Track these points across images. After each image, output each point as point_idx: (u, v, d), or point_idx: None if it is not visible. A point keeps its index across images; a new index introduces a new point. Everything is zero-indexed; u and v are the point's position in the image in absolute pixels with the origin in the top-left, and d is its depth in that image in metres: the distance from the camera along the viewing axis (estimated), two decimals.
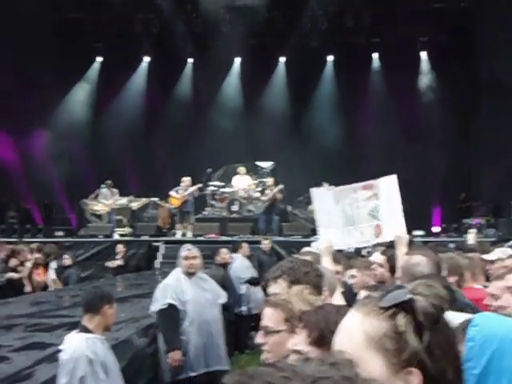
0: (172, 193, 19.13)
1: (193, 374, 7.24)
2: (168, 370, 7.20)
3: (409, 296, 1.53)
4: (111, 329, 5.09)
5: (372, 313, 1.55)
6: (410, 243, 5.07)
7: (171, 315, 7.20)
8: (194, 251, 7.58)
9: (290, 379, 0.96)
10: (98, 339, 4.86)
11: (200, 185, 19.54)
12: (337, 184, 5.58)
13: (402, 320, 1.51)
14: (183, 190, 19.04)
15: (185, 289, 7.32)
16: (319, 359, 1.04)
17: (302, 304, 2.79)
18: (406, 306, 1.52)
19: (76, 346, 4.72)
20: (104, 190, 20.47)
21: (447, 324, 1.57)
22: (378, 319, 1.53)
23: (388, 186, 4.98)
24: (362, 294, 4.58)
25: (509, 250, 6.52)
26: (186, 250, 7.55)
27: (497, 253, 6.29)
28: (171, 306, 7.17)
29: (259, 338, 2.89)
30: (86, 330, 4.87)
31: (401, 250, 4.84)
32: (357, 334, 1.54)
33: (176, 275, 7.45)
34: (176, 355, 7.11)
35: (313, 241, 8.56)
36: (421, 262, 4.05)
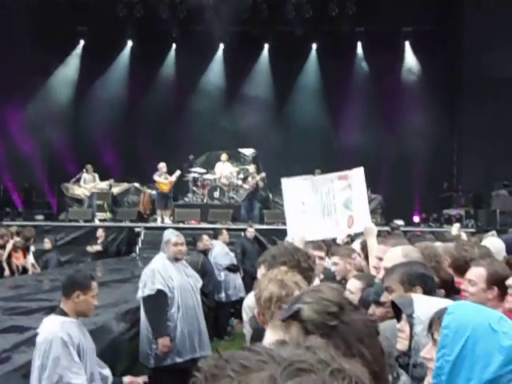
0: (157, 178, 19.04)
1: (179, 360, 7.25)
2: (152, 355, 7.18)
3: (297, 306, 1.56)
4: (88, 315, 5.02)
5: (277, 326, 1.59)
6: (392, 232, 5.11)
7: (160, 301, 7.16)
8: (182, 237, 7.59)
9: (265, 362, 0.96)
10: (74, 323, 4.84)
11: (178, 172, 19.47)
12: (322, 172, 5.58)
13: (294, 331, 1.54)
14: (160, 176, 19.00)
15: (171, 274, 7.31)
16: (295, 342, 1.04)
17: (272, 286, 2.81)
18: (298, 316, 1.55)
19: (50, 328, 4.72)
20: (85, 175, 20.38)
21: (347, 323, 1.59)
22: (280, 331, 1.57)
23: (358, 177, 4.98)
24: (351, 282, 4.63)
25: (490, 240, 6.56)
26: (175, 236, 7.53)
27: (485, 242, 6.33)
28: (160, 291, 7.14)
29: None
30: (63, 312, 4.86)
31: (371, 240, 4.89)
32: None
33: (161, 261, 7.40)
34: (165, 341, 7.10)
35: None
36: (411, 252, 4.09)
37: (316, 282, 4.05)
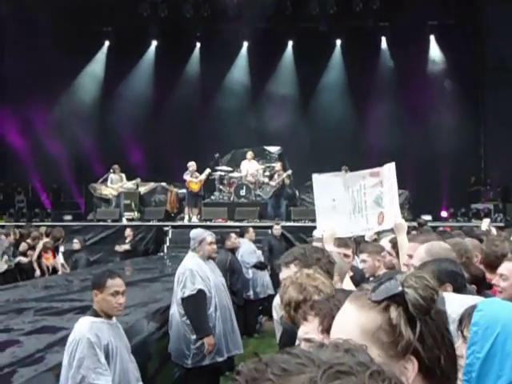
0: (188, 177, 19.13)
1: (220, 359, 7.29)
2: (190, 355, 7.20)
3: (400, 289, 1.55)
4: (111, 314, 4.99)
5: (366, 306, 1.57)
6: (421, 227, 5.08)
7: (201, 301, 7.18)
8: (214, 236, 7.63)
9: (305, 366, 0.97)
10: (105, 323, 4.88)
11: (208, 170, 19.55)
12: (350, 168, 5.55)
13: (394, 313, 1.54)
14: (191, 175, 19.10)
15: (207, 274, 7.33)
16: (334, 345, 1.05)
17: (294, 292, 2.82)
18: (397, 299, 1.55)
19: (80, 328, 4.77)
20: (112, 175, 20.51)
21: (439, 312, 1.59)
22: (371, 312, 1.56)
23: (388, 173, 4.94)
24: None
25: None
26: (210, 235, 7.55)
27: None
28: (200, 291, 7.15)
29: None
30: (95, 313, 4.91)
31: (401, 237, 4.86)
32: (352, 328, 1.57)
33: (195, 260, 7.40)
34: (210, 340, 7.14)
35: None
36: (446, 249, 4.06)
37: (346, 279, 4.05)
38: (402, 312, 1.54)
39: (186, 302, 7.18)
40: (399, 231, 4.90)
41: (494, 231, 8.75)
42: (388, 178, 4.93)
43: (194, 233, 7.66)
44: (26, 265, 13.73)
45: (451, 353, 1.59)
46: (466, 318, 2.28)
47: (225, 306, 7.52)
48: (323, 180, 5.12)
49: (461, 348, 2.28)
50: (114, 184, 20.39)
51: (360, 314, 1.57)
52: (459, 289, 3.33)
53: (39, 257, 13.91)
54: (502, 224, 16.51)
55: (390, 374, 1.00)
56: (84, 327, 4.77)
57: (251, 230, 13.18)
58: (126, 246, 16.19)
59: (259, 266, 12.43)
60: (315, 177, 5.12)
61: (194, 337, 7.18)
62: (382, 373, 0.99)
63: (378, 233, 6.69)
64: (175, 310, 7.29)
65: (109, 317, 4.94)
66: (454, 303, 2.68)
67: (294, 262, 3.48)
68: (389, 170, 4.94)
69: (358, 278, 4.96)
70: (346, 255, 5.23)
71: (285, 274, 3.49)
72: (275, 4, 22.58)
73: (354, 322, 1.58)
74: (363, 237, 7.10)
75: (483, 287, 4.44)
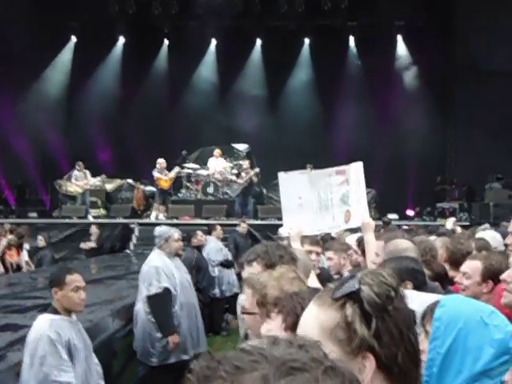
0: (157, 174, 19.05)
1: (185, 357, 7.26)
2: (155, 354, 7.17)
3: (356, 286, 1.56)
4: (74, 311, 4.96)
5: (326, 304, 1.59)
6: (386, 226, 5.11)
7: (166, 299, 7.16)
8: (180, 233, 7.61)
9: (258, 362, 0.96)
10: (65, 320, 4.84)
11: (178, 168, 19.49)
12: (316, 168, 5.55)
13: (349, 310, 1.55)
14: (160, 172, 19.04)
15: (173, 271, 7.30)
16: (287, 341, 1.04)
17: (274, 291, 2.78)
18: (354, 296, 1.56)
19: (39, 326, 4.73)
20: (76, 172, 20.30)
21: (398, 309, 1.60)
22: (329, 310, 1.57)
23: (356, 172, 4.96)
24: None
25: (489, 233, 6.58)
26: (176, 232, 7.53)
27: (480, 234, 6.35)
28: (166, 289, 7.13)
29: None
30: (54, 311, 4.86)
31: (368, 236, 4.87)
32: (312, 325, 1.59)
33: (160, 257, 7.37)
34: (175, 338, 7.13)
35: None
36: (409, 247, 4.09)
37: (311, 277, 4.04)
38: (357, 309, 1.55)
39: (151, 299, 7.14)
40: (366, 230, 4.92)
41: (458, 230, 8.83)
42: (355, 177, 4.95)
43: (159, 230, 7.62)
44: None
45: (410, 350, 1.60)
46: (428, 313, 2.30)
47: (190, 304, 7.50)
48: (289, 178, 5.12)
49: (423, 343, 2.30)
50: (79, 181, 20.19)
51: (319, 312, 1.59)
52: (419, 286, 3.36)
53: (3, 254, 13.73)
54: (467, 223, 16.69)
55: (344, 370, 0.99)
56: (44, 325, 4.72)
57: (219, 227, 13.17)
58: (92, 244, 16.05)
59: (225, 264, 12.40)
60: (281, 175, 5.13)
61: (158, 335, 7.15)
62: (336, 369, 0.99)
63: (348, 230, 6.70)
64: (140, 308, 7.26)
65: (69, 314, 4.90)
66: (415, 300, 2.69)
67: (257, 260, 3.47)
68: (356, 169, 4.96)
69: (324, 277, 4.97)
70: (316, 253, 5.24)
71: (247, 271, 3.47)
72: (244, 1, 22.58)
73: (314, 319, 1.60)
74: (329, 234, 7.13)
75: (446, 284, 4.48)
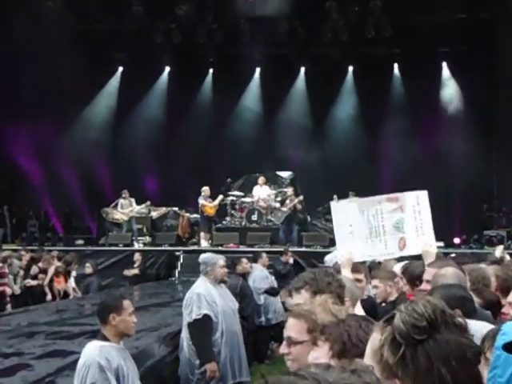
0: (203, 201, 19.22)
1: None
2: (194, 380, 7.16)
3: (393, 312, 1.57)
4: (130, 335, 5.05)
5: (378, 327, 1.59)
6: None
7: (206, 326, 7.16)
8: (225, 260, 7.65)
9: None
10: (114, 347, 4.88)
11: (221, 196, 19.64)
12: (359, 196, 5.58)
13: (386, 333, 1.55)
14: (205, 199, 19.21)
15: (215, 299, 7.30)
16: (340, 367, 1.05)
17: (325, 315, 2.78)
18: (390, 322, 1.56)
19: (89, 353, 4.78)
20: (122, 200, 20.53)
21: (438, 342, 1.58)
22: (376, 333, 1.58)
23: (417, 201, 4.98)
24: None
25: None
26: (221, 259, 7.56)
27: None
28: (206, 316, 7.14)
29: (283, 348, 2.89)
30: (103, 337, 4.91)
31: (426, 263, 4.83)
32: (368, 347, 1.59)
33: (204, 284, 7.39)
34: (213, 366, 7.09)
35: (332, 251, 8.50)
36: (446, 272, 4.05)
37: (358, 305, 4.02)
38: (390, 335, 1.55)
39: (191, 326, 7.17)
40: (427, 258, 4.88)
41: (508, 258, 8.69)
42: (413, 205, 4.96)
43: (204, 257, 7.64)
44: (37, 288, 13.73)
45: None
46: (488, 339, 2.26)
47: (233, 332, 7.47)
48: (340, 206, 5.18)
49: (482, 370, 2.26)
50: (124, 209, 20.40)
51: (373, 336, 1.60)
52: (468, 314, 3.31)
53: (51, 281, 13.92)
54: None
55: None
56: (94, 351, 4.77)
57: (264, 255, 13.11)
58: (135, 271, 16.17)
59: (271, 292, 12.35)
60: (333, 204, 5.22)
61: (197, 362, 7.15)
62: None
63: (396, 259, 6.64)
64: (184, 334, 7.28)
65: (119, 340, 4.95)
66: None
67: (305, 287, 3.46)
68: (417, 198, 4.98)
69: (368, 304, 4.92)
70: (358, 280, 5.21)
71: (296, 299, 3.46)
72: (288, 30, 22.70)
73: (369, 342, 1.61)
74: (377, 262, 7.07)
75: (498, 312, 4.41)
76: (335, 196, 15.94)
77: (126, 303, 4.99)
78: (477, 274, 4.82)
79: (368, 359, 1.57)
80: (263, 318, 12.15)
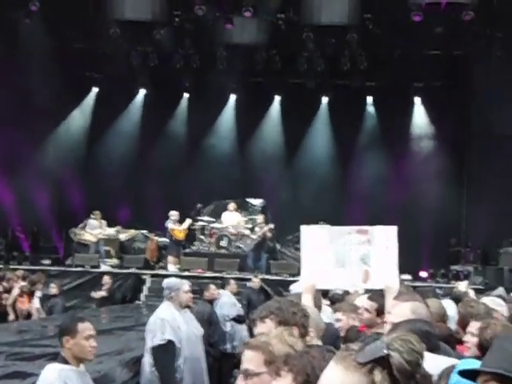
0: (172, 225, 19.15)
1: None
2: None
3: (385, 352, 1.55)
4: (87, 359, 4.94)
5: (351, 368, 1.57)
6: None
7: (170, 351, 7.08)
8: (190, 285, 7.59)
9: None
10: (74, 371, 4.79)
11: (189, 220, 19.57)
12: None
13: (379, 376, 1.54)
14: (173, 223, 19.14)
15: (179, 324, 7.24)
16: None
17: (281, 346, 2.77)
18: (382, 362, 1.54)
19: (47, 376, 4.69)
20: (92, 221, 20.38)
21: (426, 377, 1.58)
22: (356, 375, 1.55)
23: (385, 235, 4.99)
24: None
25: (496, 299, 6.53)
26: (186, 284, 7.51)
27: (485, 301, 6.31)
28: (170, 342, 7.07)
29: (239, 381, 2.86)
30: (64, 360, 4.83)
31: (389, 299, 4.84)
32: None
33: (169, 309, 7.33)
34: None
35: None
36: (412, 306, 4.07)
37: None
38: (386, 375, 1.53)
39: (154, 351, 7.10)
40: (388, 293, 4.88)
41: (471, 293, 8.75)
42: (382, 239, 4.97)
43: (168, 282, 7.60)
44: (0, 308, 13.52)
45: None
46: (444, 377, 2.28)
47: (196, 358, 7.40)
48: (310, 232, 5.17)
49: None
50: (93, 230, 20.23)
51: (345, 376, 1.57)
52: (432, 348, 3.32)
53: (15, 301, 13.71)
54: (481, 287, 16.50)
55: None
56: (52, 375, 4.68)
57: (232, 282, 13.09)
58: (103, 293, 16.00)
59: (238, 320, 12.30)
60: (303, 228, 5.19)
61: None
62: None
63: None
64: (146, 360, 7.20)
65: (78, 363, 4.86)
66: (430, 362, 2.67)
67: (270, 317, 3.45)
68: (386, 232, 5.00)
69: (328, 337, 4.89)
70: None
71: (260, 329, 3.45)
72: (264, 58, 22.86)
73: (339, 383, 1.57)
74: (340, 294, 7.08)
75: (453, 345, 4.49)
76: (321, 222, 15.92)
77: (83, 326, 4.86)
78: (435, 309, 4.87)
79: None
80: (229, 345, 12.07)
